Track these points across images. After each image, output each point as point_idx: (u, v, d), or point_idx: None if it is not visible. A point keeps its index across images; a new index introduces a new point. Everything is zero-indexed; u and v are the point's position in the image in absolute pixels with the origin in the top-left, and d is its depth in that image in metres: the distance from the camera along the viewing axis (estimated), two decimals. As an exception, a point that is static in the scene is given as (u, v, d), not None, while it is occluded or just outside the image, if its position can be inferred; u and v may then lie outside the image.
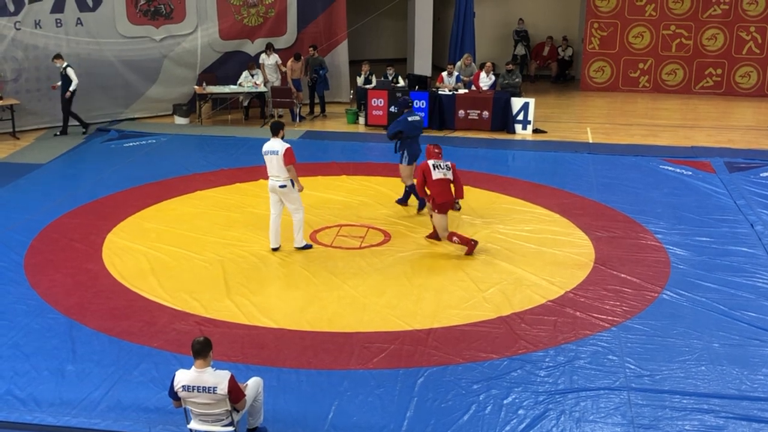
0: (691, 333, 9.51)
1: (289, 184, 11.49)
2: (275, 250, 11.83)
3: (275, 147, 11.44)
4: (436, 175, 11.79)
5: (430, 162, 11.91)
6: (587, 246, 12.10)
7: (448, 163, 12.00)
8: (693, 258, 11.66)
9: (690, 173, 15.57)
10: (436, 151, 12.07)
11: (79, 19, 18.78)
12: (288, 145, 11.46)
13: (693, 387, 8.42)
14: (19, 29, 18.14)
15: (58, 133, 18.11)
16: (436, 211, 11.89)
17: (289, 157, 11.37)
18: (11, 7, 17.96)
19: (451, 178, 11.92)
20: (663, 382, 8.51)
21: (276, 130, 11.59)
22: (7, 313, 9.86)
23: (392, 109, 13.20)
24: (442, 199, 11.83)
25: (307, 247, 11.90)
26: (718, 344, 9.27)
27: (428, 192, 11.98)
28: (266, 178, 11.69)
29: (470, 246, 11.82)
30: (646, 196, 14.31)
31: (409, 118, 13.45)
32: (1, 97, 17.85)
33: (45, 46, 18.49)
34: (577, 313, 9.99)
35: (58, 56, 17.78)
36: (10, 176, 15.15)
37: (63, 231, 12.54)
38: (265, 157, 11.57)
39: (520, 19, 25.22)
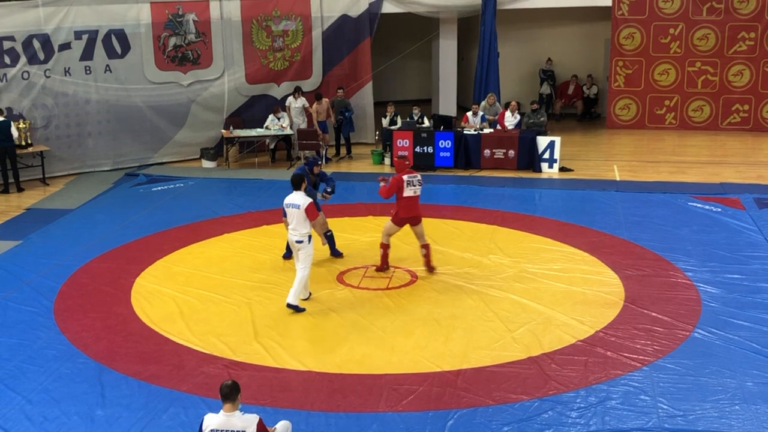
0: (724, 372, 9.38)
1: (305, 240, 11.22)
2: (304, 299, 11.64)
3: (297, 201, 11.23)
4: (407, 192, 12.25)
5: (405, 177, 12.25)
6: (617, 284, 12.01)
7: (419, 177, 12.45)
8: (724, 296, 11.53)
9: (719, 210, 15.44)
10: (407, 163, 12.55)
11: (108, 66, 19.07)
12: (310, 200, 11.26)
13: (727, 427, 8.29)
14: (49, 77, 18.44)
15: None
16: (393, 221, 12.44)
17: (312, 213, 11.19)
18: (41, 55, 18.27)
19: (419, 193, 12.40)
20: (696, 422, 8.38)
21: (298, 184, 11.36)
22: (37, 358, 9.91)
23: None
24: (406, 214, 12.36)
25: (300, 309, 11.26)
26: (752, 383, 9.13)
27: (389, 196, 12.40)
28: None
29: (380, 268, 12.62)
30: (675, 233, 14.20)
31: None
32: (31, 144, 18.09)
33: (74, 93, 18.78)
34: (608, 353, 9.89)
35: None
36: (40, 222, 15.30)
37: (92, 275, 12.63)
38: (286, 209, 11.38)
39: (549, 59, 25.28)
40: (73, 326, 10.84)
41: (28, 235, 14.52)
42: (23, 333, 10.62)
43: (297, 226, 11.24)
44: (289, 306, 11.21)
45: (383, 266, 12.66)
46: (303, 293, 11.50)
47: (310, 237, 11.28)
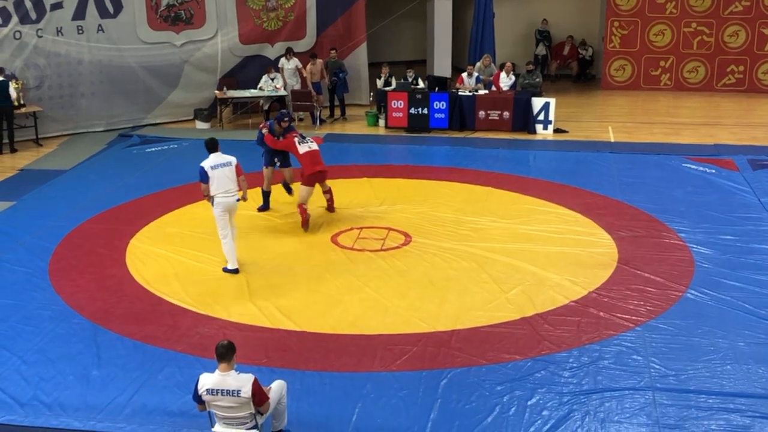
0: (716, 332, 9.44)
1: (240, 196, 11.23)
2: (234, 271, 11.29)
3: (226, 159, 11.13)
4: (302, 148, 12.68)
5: (295, 138, 12.79)
6: (610, 246, 12.04)
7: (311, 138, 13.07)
8: (717, 256, 11.58)
9: (713, 171, 15.45)
10: (284, 125, 13.05)
11: (100, 25, 18.92)
12: (234, 158, 11.23)
13: (719, 386, 8.36)
14: (41, 36, 18.29)
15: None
16: (304, 184, 12.73)
17: (240, 169, 11.20)
18: (33, 15, 18.11)
19: (317, 148, 12.81)
20: (688, 381, 8.45)
21: (215, 146, 11.19)
22: (32, 319, 9.93)
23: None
24: (311, 169, 12.63)
25: (236, 271, 11.24)
26: (744, 343, 9.20)
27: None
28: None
29: (303, 222, 12.79)
30: (669, 194, 14.22)
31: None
32: (24, 105, 17.98)
33: (67, 53, 18.65)
34: (601, 313, 9.94)
35: None
36: (33, 183, 15.27)
37: (86, 236, 12.63)
38: (214, 172, 11.01)
39: (544, 19, 25.11)
40: (68, 287, 10.85)
41: (21, 196, 14.48)
42: (18, 294, 10.63)
43: (231, 185, 11.13)
44: (229, 271, 11.22)
45: (304, 225, 12.82)
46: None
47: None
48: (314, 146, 12.79)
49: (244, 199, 11.32)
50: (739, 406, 8.00)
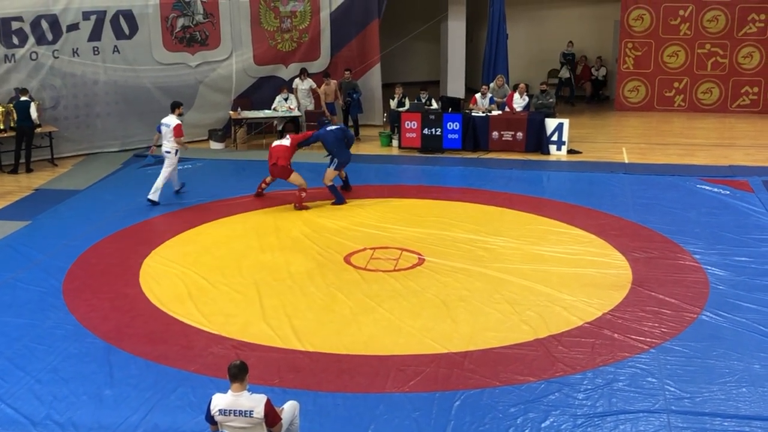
0: (731, 354, 9.37)
1: (172, 152, 14.87)
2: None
3: (169, 121, 14.86)
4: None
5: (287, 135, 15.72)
6: (624, 267, 12.00)
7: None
8: (732, 278, 11.51)
9: (728, 192, 15.40)
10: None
11: (116, 46, 19.04)
12: (179, 122, 14.87)
13: (734, 409, 8.29)
14: (57, 57, 18.42)
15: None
16: None
17: (177, 132, 14.78)
18: (49, 36, 18.25)
19: (280, 144, 15.04)
20: (703, 404, 8.39)
21: (174, 108, 15.09)
22: (45, 338, 9.95)
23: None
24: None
25: (156, 203, 14.74)
26: (759, 365, 9.13)
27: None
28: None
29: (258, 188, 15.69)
30: (683, 216, 14.17)
31: (328, 128, 15.34)
32: (40, 125, 18.08)
33: (83, 74, 18.77)
34: (615, 335, 9.89)
35: (23, 91, 17.53)
36: (48, 202, 15.34)
37: (101, 256, 12.66)
38: (162, 127, 14.95)
39: (570, 42, 25.08)
40: (82, 306, 10.88)
41: (36, 216, 14.55)
42: (32, 313, 10.66)
43: (165, 141, 14.85)
44: (149, 200, 14.75)
45: (257, 193, 15.65)
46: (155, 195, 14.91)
47: (177, 151, 14.96)
48: (284, 142, 15.04)
49: (185, 147, 15.58)
50: (755, 429, 7.94)
